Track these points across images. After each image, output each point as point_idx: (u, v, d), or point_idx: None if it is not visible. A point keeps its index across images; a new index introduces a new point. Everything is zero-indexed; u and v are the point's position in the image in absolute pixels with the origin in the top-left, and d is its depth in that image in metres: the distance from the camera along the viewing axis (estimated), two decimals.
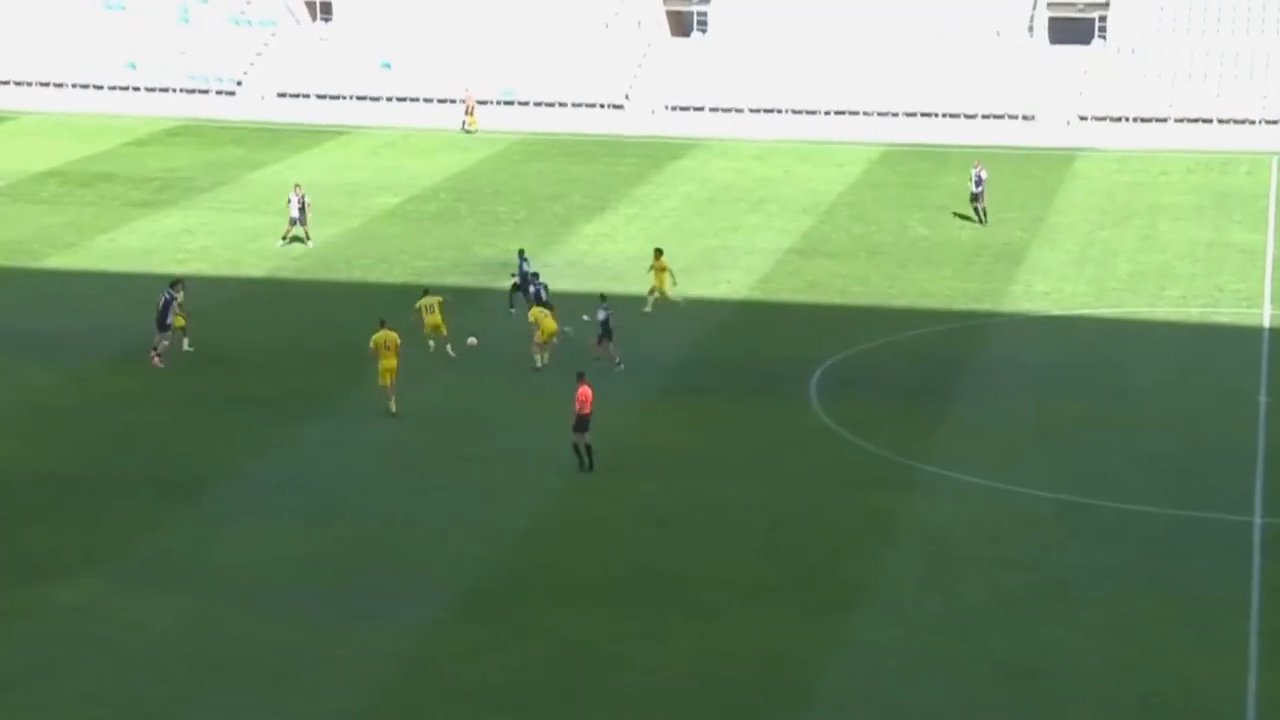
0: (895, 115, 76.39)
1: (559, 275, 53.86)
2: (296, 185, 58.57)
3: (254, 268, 54.73)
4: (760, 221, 61.42)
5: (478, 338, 45.10)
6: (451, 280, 52.96)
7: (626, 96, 79.56)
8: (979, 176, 60.69)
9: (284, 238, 57.02)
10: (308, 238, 57.00)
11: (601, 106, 79.26)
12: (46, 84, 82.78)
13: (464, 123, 77.76)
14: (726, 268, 54.98)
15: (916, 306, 50.79)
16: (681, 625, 30.30)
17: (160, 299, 44.57)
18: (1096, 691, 28.21)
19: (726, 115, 77.75)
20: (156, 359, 44.08)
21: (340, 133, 77.43)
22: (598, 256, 56.49)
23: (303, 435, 39.59)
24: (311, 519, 34.83)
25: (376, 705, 27.59)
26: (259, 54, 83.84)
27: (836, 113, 76.78)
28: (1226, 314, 49.74)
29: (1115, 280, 53.56)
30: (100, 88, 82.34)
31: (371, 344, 40.91)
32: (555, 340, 44.09)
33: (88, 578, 31.79)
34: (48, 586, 31.34)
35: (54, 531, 33.98)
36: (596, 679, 28.50)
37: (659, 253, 50.37)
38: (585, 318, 45.98)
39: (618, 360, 43.92)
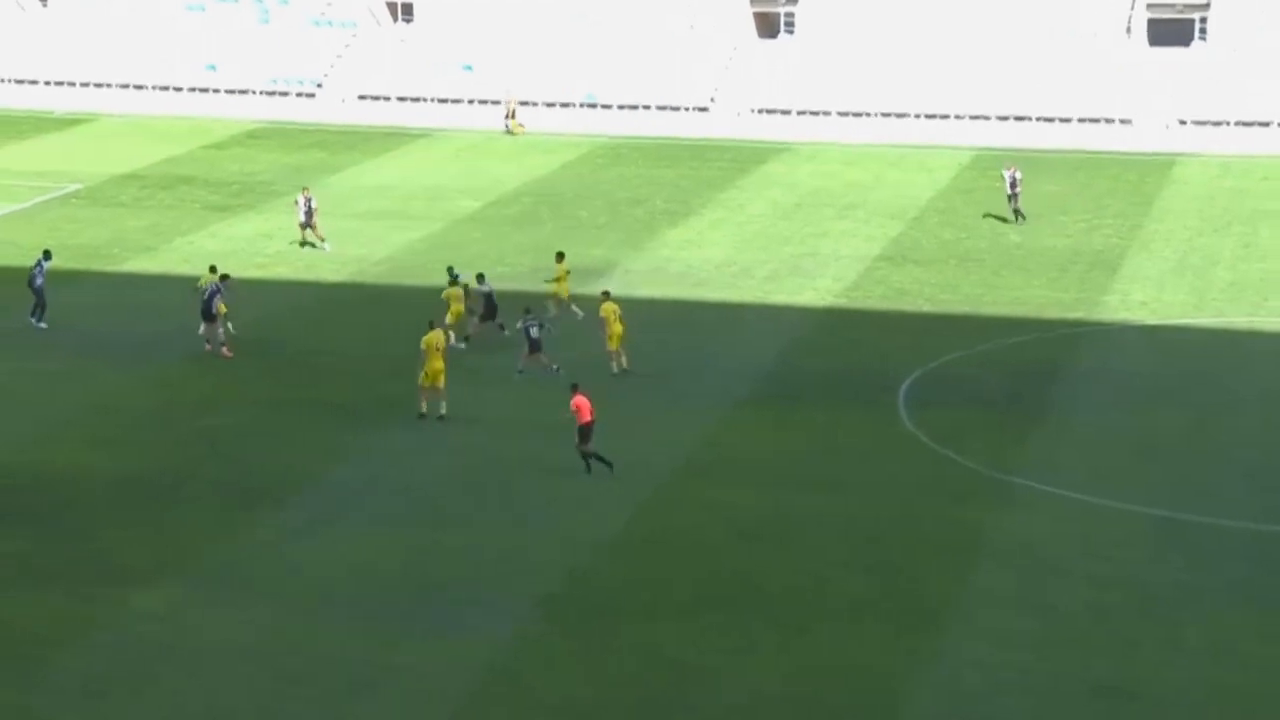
0: (987, 119, 75.95)
1: (642, 282, 53.98)
2: (304, 188, 58.95)
3: (333, 272, 55.13)
4: (848, 228, 61.22)
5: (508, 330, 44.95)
6: (531, 286, 53.12)
7: (712, 99, 79.56)
8: (1013, 178, 60.82)
9: (302, 240, 57.40)
10: (322, 240, 57.26)
11: (686, 110, 79.30)
12: (126, 85, 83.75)
13: (506, 125, 78.05)
14: (814, 275, 54.82)
15: (1008, 315, 50.46)
16: (769, 640, 30.23)
17: (206, 289, 45.44)
18: (1195, 714, 27.93)
19: (814, 118, 77.58)
20: (226, 350, 45.05)
21: (421, 135, 77.87)
22: (681, 262, 56.50)
23: (382, 442, 39.81)
24: (391, 527, 35.02)
25: (457, 719, 27.68)
26: (339, 56, 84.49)
27: (927, 116, 76.48)
28: None
29: (1215, 289, 53.03)
30: (180, 89, 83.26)
31: (423, 345, 41.22)
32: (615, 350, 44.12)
33: (167, 585, 32.10)
34: (127, 594, 31.66)
35: (132, 538, 34.34)
36: (683, 694, 28.46)
37: (560, 256, 49.88)
38: (506, 332, 46.20)
39: (555, 367, 43.73)
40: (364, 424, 40.93)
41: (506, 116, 78.37)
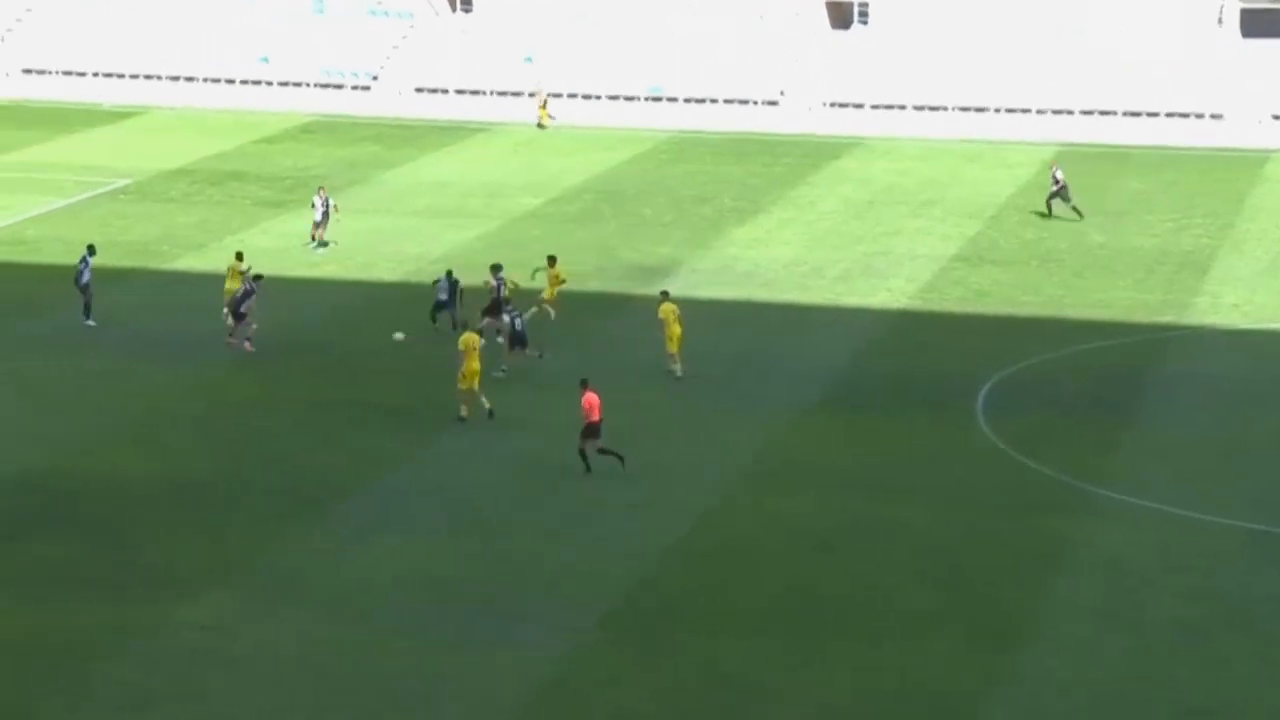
0: (1071, 113, 75.51)
1: (707, 282, 53.92)
2: (321, 187, 59.11)
3: (388, 271, 55.33)
4: (924, 226, 60.97)
5: (541, 351, 44.88)
6: (594, 286, 53.16)
7: (782, 92, 79.40)
8: (1055, 176, 61.07)
9: (314, 239, 57.59)
10: (323, 241, 57.41)
11: (755, 103, 79.19)
12: (176, 78, 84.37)
13: (538, 118, 78.15)
14: (887, 275, 54.63)
15: (1092, 318, 50.15)
16: (839, 654, 30.10)
17: (241, 288, 45.98)
18: None
19: (889, 112, 77.33)
20: (247, 344, 45.76)
21: (479, 130, 78.07)
22: (749, 262, 56.41)
23: (437, 446, 39.91)
24: (446, 535, 35.10)
25: None
26: (396, 47, 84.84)
27: (1007, 110, 76.07)
28: None
29: None
30: (231, 82, 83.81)
31: (460, 346, 41.36)
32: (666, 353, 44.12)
33: (214, 594, 32.26)
34: (174, 603, 31.83)
35: (179, 544, 34.53)
36: (744, 712, 28.36)
37: (553, 260, 49.54)
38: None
39: (539, 354, 44.33)
40: (415, 428, 41.03)
41: (539, 108, 78.58)
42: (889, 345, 47.99)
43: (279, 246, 57.67)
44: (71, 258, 50.53)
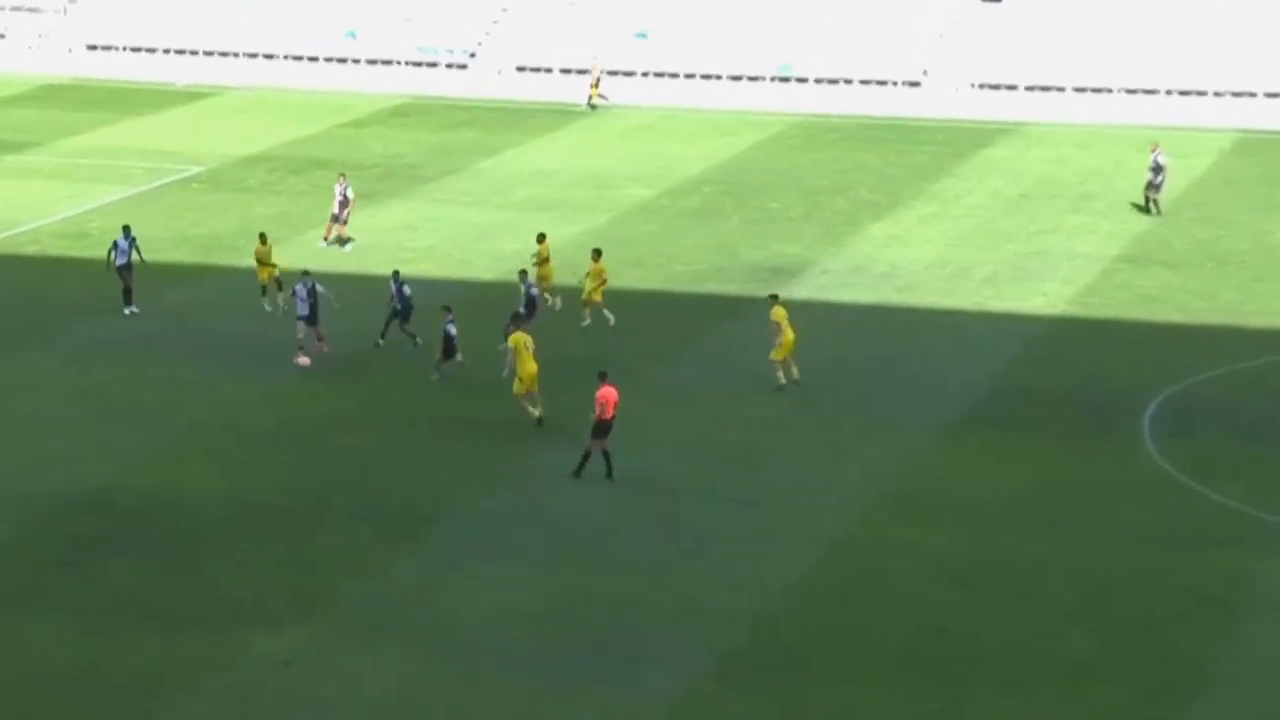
0: (1253, 95, 74.84)
1: (840, 284, 53.85)
2: (342, 174, 59.44)
3: (485, 269, 55.69)
4: (1084, 222, 60.65)
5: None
6: (712, 288, 53.27)
7: (925, 73, 79.20)
8: (1157, 162, 60.57)
9: (326, 237, 57.95)
10: (345, 240, 57.80)
11: (895, 84, 79.04)
12: (254, 55, 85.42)
13: (589, 96, 78.31)
14: (1042, 278, 54.40)
15: (1275, 327, 49.66)
16: (984, 706, 30.01)
17: (302, 287, 46.36)
18: None
19: (1044, 95, 77.00)
20: (305, 357, 46.27)
21: (586, 113, 78.38)
22: (886, 262, 56.30)
23: (540, 465, 40.11)
24: (548, 565, 35.27)
25: None
26: (495, 22, 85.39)
27: (1180, 92, 75.51)
28: None
29: None
30: (315, 59, 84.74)
31: (511, 344, 41.72)
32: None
33: (294, 626, 32.61)
34: (250, 635, 32.22)
35: (255, 571, 34.93)
36: None
37: (598, 253, 50.01)
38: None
39: (459, 358, 45.18)
40: (520, 444, 41.26)
41: (592, 85, 78.88)
42: (1043, 357, 47.74)
43: (367, 243, 58.17)
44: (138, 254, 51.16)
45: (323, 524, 37.23)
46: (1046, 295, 52.81)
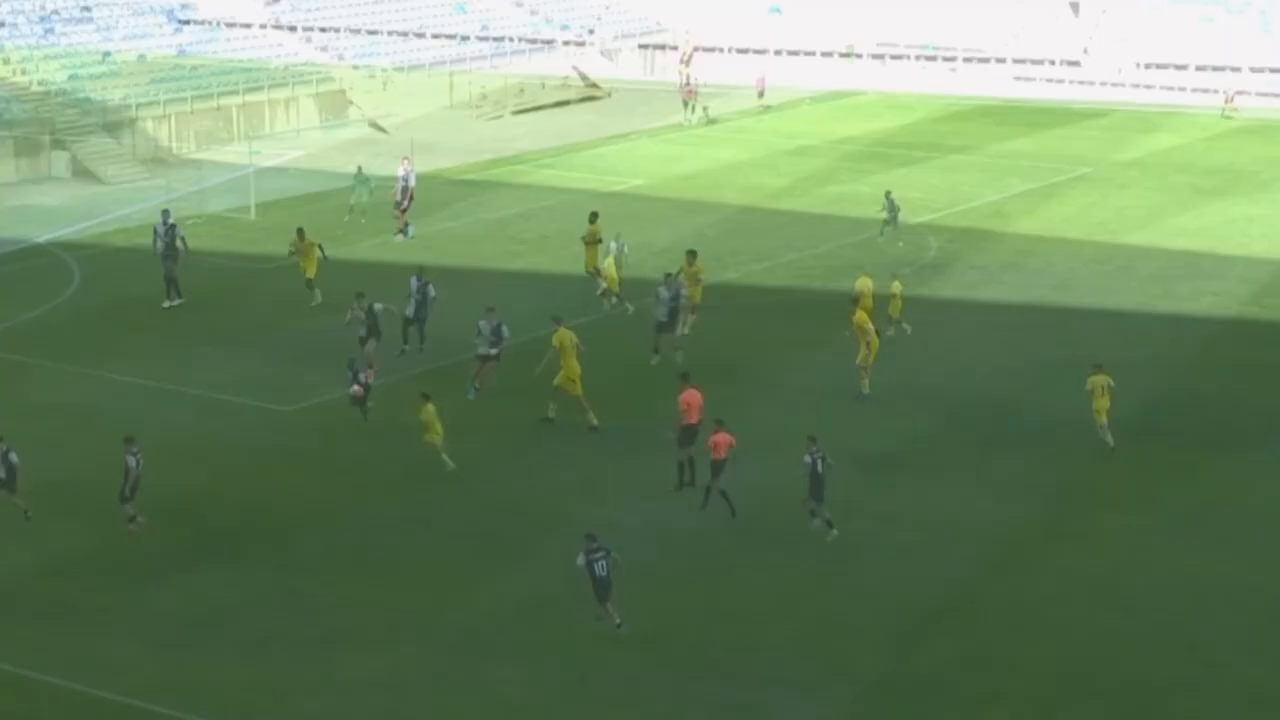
0: None
1: (989, 280, 53.61)
2: (406, 157, 59.62)
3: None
4: (1261, 215, 60.56)
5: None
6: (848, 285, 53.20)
7: (1085, 50, 78.69)
8: None
9: (403, 228, 58.58)
10: (404, 226, 58.43)
11: (1052, 63, 78.63)
12: None
13: (686, 77, 78.61)
14: (1213, 276, 54.65)
15: None
16: None
17: (358, 309, 46.04)
18: None
19: (1215, 75, 76.33)
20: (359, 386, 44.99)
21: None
22: (1039, 258, 56.04)
23: (650, 476, 40.05)
24: (665, 583, 35.20)
25: None
26: None
27: None
28: None
29: None
30: None
31: (555, 344, 42.32)
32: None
33: (393, 647, 32.68)
34: (344, 656, 32.36)
35: (351, 588, 35.03)
36: None
37: (692, 255, 49.75)
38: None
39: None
40: (634, 453, 41.28)
41: (681, 62, 79.30)
42: (1215, 361, 47.40)
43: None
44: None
45: (418, 535, 37.31)
46: (1218, 295, 52.47)
